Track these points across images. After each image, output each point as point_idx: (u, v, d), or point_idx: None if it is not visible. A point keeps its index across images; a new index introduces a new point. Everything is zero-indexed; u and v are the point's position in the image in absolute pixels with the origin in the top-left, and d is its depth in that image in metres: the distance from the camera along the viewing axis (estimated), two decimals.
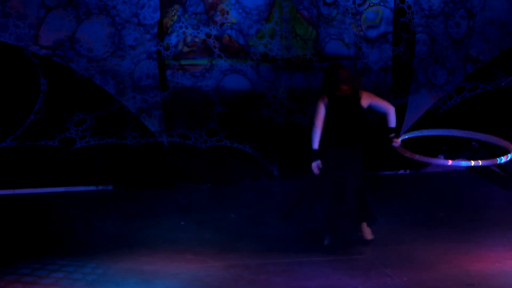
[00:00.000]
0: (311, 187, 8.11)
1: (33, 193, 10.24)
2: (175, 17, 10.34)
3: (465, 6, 10.69)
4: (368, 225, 8.20)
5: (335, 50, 10.72)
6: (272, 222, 8.97)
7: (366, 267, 7.53)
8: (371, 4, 10.68)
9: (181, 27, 10.37)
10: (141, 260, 7.74)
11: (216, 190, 10.50)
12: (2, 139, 10.03)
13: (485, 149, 11.21)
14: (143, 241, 8.36)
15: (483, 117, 11.08)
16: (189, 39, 10.45)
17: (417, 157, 8.26)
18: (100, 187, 10.51)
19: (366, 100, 8.03)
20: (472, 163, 8.42)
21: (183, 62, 10.48)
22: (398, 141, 8.18)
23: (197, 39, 10.46)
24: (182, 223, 9.02)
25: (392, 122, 8.14)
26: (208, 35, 10.44)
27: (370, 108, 8.10)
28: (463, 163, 9.28)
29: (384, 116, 8.22)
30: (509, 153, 8.20)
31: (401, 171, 11.22)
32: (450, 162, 8.86)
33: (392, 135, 8.15)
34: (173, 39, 10.39)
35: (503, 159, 8.21)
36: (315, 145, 7.95)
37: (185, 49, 10.48)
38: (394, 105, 10.78)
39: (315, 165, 7.98)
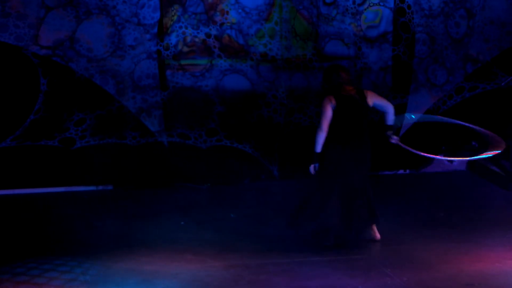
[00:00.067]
0: (322, 189, 8.03)
1: (33, 193, 10.24)
2: (175, 17, 10.35)
3: (464, 6, 10.69)
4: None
5: (335, 50, 10.72)
6: (272, 222, 8.97)
7: (366, 267, 7.53)
8: (371, 4, 10.68)
9: (181, 27, 10.38)
10: (141, 260, 7.74)
11: (216, 190, 10.50)
12: (2, 139, 10.03)
13: (485, 149, 11.20)
14: (143, 241, 8.35)
15: (483, 117, 11.07)
16: (189, 39, 10.45)
17: (413, 150, 8.27)
18: (100, 187, 10.51)
19: (371, 99, 8.05)
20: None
21: (183, 62, 10.48)
22: (396, 138, 8.18)
23: (197, 39, 10.46)
24: (182, 223, 9.01)
25: (391, 120, 8.17)
26: (208, 35, 10.45)
27: (373, 107, 8.10)
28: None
29: (382, 115, 8.24)
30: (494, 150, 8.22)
31: (401, 171, 11.22)
32: (448, 159, 8.78)
33: (390, 132, 8.15)
34: (173, 39, 10.39)
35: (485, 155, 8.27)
36: (319, 148, 7.93)
37: (185, 49, 10.48)
38: (394, 105, 10.83)
39: (313, 167, 8.00)
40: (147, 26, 10.23)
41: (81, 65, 10.09)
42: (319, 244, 8.10)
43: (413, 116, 8.70)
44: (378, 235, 8.20)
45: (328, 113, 7.91)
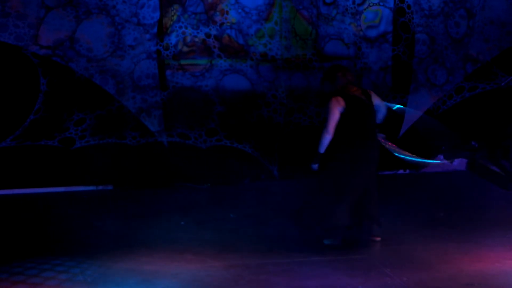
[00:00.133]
0: (332, 189, 8.00)
1: (32, 193, 10.23)
2: (175, 17, 10.35)
3: (464, 6, 10.69)
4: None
5: (334, 50, 10.73)
6: (272, 222, 8.97)
7: (366, 267, 7.53)
8: (371, 4, 10.68)
9: (180, 27, 10.38)
10: (141, 260, 7.74)
11: (216, 190, 10.50)
12: (2, 139, 10.03)
13: (485, 149, 11.23)
14: (143, 241, 8.35)
15: (483, 117, 11.09)
16: (188, 39, 10.45)
17: (393, 151, 8.31)
18: (100, 187, 10.50)
19: (374, 99, 8.07)
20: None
21: (182, 62, 10.48)
22: (382, 135, 8.20)
23: (196, 39, 10.46)
24: (182, 223, 9.01)
25: (380, 119, 8.18)
26: (208, 35, 10.45)
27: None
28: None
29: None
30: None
31: (401, 171, 11.22)
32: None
33: (377, 130, 8.17)
34: (172, 39, 10.39)
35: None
36: (323, 150, 7.92)
37: (185, 49, 10.48)
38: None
39: (317, 166, 7.99)
40: (147, 26, 10.23)
41: (81, 65, 10.09)
42: (319, 244, 8.11)
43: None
44: (379, 236, 8.23)
45: (337, 115, 7.86)
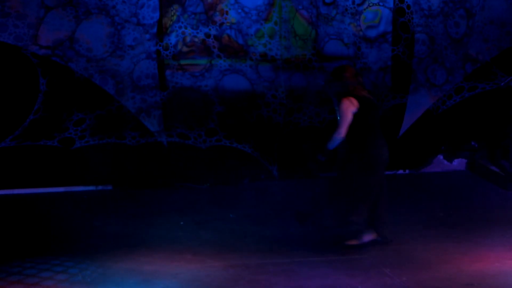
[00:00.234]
0: (354, 190, 7.96)
1: (32, 193, 10.24)
2: (175, 17, 10.34)
3: (464, 6, 10.69)
4: None
5: (334, 50, 10.72)
6: (271, 222, 8.97)
7: (365, 267, 7.53)
8: (371, 4, 10.67)
9: (180, 27, 10.37)
10: (141, 260, 7.74)
11: (216, 190, 10.50)
12: (2, 139, 10.02)
13: (484, 149, 11.22)
14: (142, 241, 8.36)
15: (482, 117, 11.08)
16: (188, 39, 10.45)
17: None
18: (100, 187, 10.51)
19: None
20: None
21: (182, 62, 10.48)
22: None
23: (196, 39, 10.46)
24: (182, 223, 9.02)
25: None
26: (208, 35, 10.44)
27: None
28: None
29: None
30: None
31: (401, 171, 11.22)
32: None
33: None
34: (172, 39, 10.39)
35: None
36: (332, 147, 7.91)
37: (185, 49, 10.48)
38: (394, 105, 10.88)
39: (322, 159, 7.99)
40: (147, 26, 10.22)
41: (80, 65, 10.08)
42: (319, 244, 8.12)
43: None
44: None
45: (350, 116, 7.85)
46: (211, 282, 7.18)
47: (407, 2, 10.64)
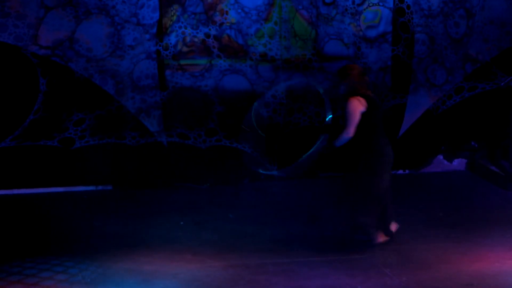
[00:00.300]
0: (365, 189, 7.97)
1: (32, 193, 10.24)
2: (174, 17, 10.34)
3: (464, 6, 10.69)
4: None
5: (334, 50, 10.72)
6: (271, 222, 8.97)
7: (365, 267, 7.53)
8: (370, 4, 10.68)
9: (180, 27, 10.37)
10: (141, 260, 7.74)
11: (216, 190, 10.50)
12: (2, 139, 10.03)
13: (484, 149, 11.22)
14: (142, 241, 8.36)
15: (482, 117, 11.08)
16: (188, 39, 10.45)
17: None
18: (100, 187, 10.51)
19: None
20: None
21: (182, 62, 10.48)
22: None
23: (196, 39, 10.46)
24: (182, 223, 9.02)
25: None
26: (207, 35, 10.44)
27: None
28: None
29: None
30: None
31: (400, 171, 11.21)
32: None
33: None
34: (172, 39, 10.39)
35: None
36: (338, 145, 7.90)
37: (184, 49, 10.48)
38: (394, 105, 10.88)
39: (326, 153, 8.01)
40: (147, 26, 10.22)
41: (80, 65, 10.08)
42: (319, 244, 8.12)
43: None
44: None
45: (358, 115, 7.84)
46: (211, 282, 7.18)
47: (407, 2, 10.64)
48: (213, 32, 10.43)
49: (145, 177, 10.54)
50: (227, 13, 10.42)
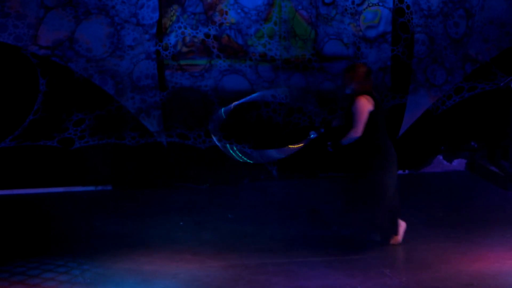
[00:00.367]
0: (376, 190, 7.94)
1: (32, 193, 10.23)
2: (174, 17, 10.34)
3: (464, 6, 10.69)
4: None
5: (334, 50, 10.72)
6: (271, 222, 8.97)
7: (365, 267, 7.53)
8: (370, 4, 10.68)
9: (180, 27, 10.37)
10: (140, 260, 7.73)
11: (215, 190, 10.49)
12: (2, 139, 10.02)
13: (484, 149, 11.22)
14: (142, 241, 8.35)
15: (482, 117, 11.08)
16: (188, 39, 10.45)
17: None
18: (99, 187, 10.50)
19: None
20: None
21: (182, 62, 10.48)
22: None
23: (196, 39, 10.46)
24: (181, 223, 9.01)
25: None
26: (207, 35, 10.44)
27: None
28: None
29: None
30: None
31: (400, 171, 11.20)
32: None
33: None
34: (172, 39, 10.39)
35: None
36: (345, 144, 7.88)
37: (184, 49, 10.48)
38: (393, 105, 10.88)
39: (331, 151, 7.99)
40: (146, 26, 10.22)
41: (80, 65, 10.08)
42: (318, 244, 8.12)
43: None
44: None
45: (367, 114, 7.78)
46: (211, 282, 7.18)
47: (406, 2, 10.64)
48: (212, 32, 10.43)
49: (145, 177, 10.54)
50: (226, 13, 10.42)
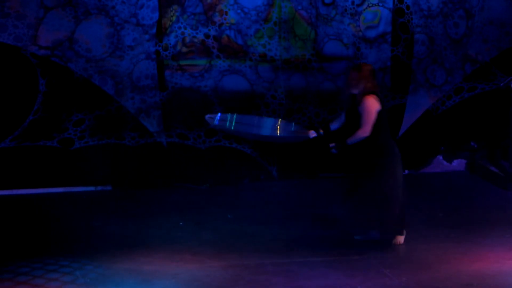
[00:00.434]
0: (385, 190, 7.92)
1: (31, 194, 10.23)
2: (174, 18, 10.34)
3: (463, 7, 10.69)
4: None
5: (334, 50, 10.73)
6: (271, 222, 8.96)
7: (365, 267, 7.53)
8: (370, 5, 10.68)
9: (179, 28, 10.37)
10: (140, 260, 7.73)
11: (215, 190, 10.49)
12: (2, 139, 10.03)
13: (484, 150, 11.22)
14: (142, 241, 8.35)
15: (482, 117, 11.08)
16: (187, 39, 10.45)
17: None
18: (99, 188, 10.50)
19: None
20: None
21: (182, 62, 10.48)
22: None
23: (195, 40, 10.46)
24: (181, 223, 9.01)
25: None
26: (207, 36, 10.44)
27: None
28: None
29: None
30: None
31: None
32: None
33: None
34: (171, 39, 10.39)
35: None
36: (351, 143, 7.86)
37: (184, 49, 10.48)
38: (393, 106, 10.88)
39: (335, 152, 7.97)
40: (146, 27, 10.22)
41: (80, 66, 10.08)
42: (318, 244, 8.12)
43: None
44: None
45: (375, 114, 7.74)
46: (211, 282, 7.18)
47: (406, 2, 10.65)
48: (212, 32, 10.43)
49: (145, 177, 10.53)
50: (226, 13, 10.43)
